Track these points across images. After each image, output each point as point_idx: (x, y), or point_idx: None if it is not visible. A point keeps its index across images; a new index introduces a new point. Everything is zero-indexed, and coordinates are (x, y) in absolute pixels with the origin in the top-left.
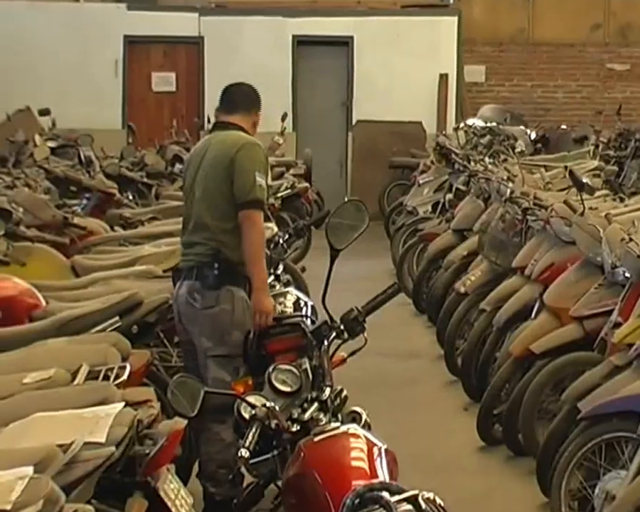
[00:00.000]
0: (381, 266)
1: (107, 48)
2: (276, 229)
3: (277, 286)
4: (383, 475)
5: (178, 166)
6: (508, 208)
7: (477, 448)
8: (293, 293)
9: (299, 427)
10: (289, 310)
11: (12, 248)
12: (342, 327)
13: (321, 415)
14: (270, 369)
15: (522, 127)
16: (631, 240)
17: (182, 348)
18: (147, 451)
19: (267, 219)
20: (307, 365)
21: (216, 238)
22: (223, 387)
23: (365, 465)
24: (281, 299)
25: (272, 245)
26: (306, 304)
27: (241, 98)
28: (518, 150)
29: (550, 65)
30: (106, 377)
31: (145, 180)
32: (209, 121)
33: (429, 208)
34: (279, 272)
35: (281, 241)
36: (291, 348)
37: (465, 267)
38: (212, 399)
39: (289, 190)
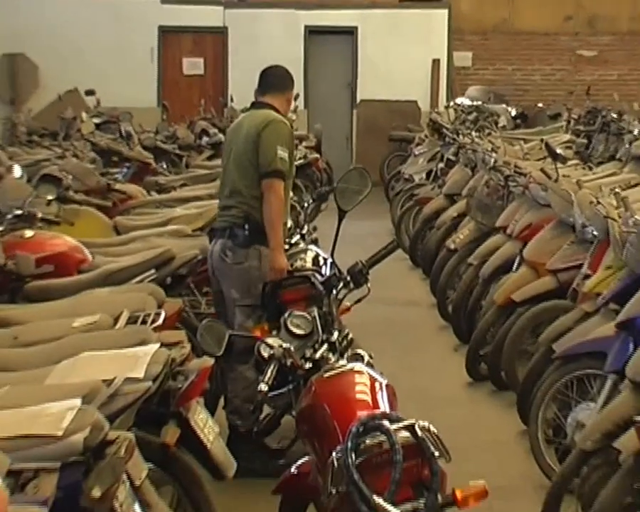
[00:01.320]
0: (382, 226)
1: (144, 36)
2: (290, 194)
3: (301, 244)
4: (384, 406)
5: (205, 139)
6: (492, 175)
7: (465, 383)
8: (313, 250)
9: (311, 365)
10: (309, 264)
11: (62, 210)
12: (348, 278)
13: (330, 355)
14: (286, 315)
15: (504, 105)
16: (598, 203)
17: (213, 297)
18: (179, 386)
19: None
20: (316, 313)
21: (248, 203)
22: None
23: (368, 398)
24: (302, 255)
25: (291, 208)
26: (325, 260)
27: (273, 80)
28: (500, 125)
29: (528, 51)
30: (144, 322)
31: (177, 151)
32: (232, 100)
33: (424, 176)
34: (304, 231)
35: (306, 205)
36: (301, 298)
37: (455, 226)
38: (238, 343)
39: (302, 160)
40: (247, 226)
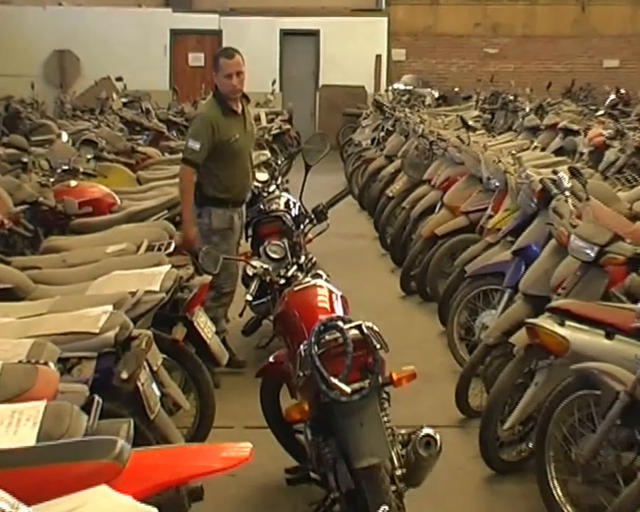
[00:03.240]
0: (337, 180)
1: (159, 37)
2: (269, 154)
3: (277, 192)
4: (339, 311)
5: None
6: (420, 141)
7: (400, 296)
8: (285, 196)
9: (284, 281)
10: (282, 207)
11: (98, 166)
12: (312, 216)
13: (299, 273)
14: (265, 244)
15: (429, 89)
16: (499, 161)
17: None
18: (186, 297)
19: (262, 148)
20: (287, 243)
21: (199, 176)
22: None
23: (327, 305)
24: (277, 200)
25: (268, 166)
26: (294, 203)
27: None
28: (426, 104)
29: (447, 49)
30: (159, 249)
31: (184, 123)
32: None
33: (369, 142)
34: (278, 182)
35: (280, 163)
36: (276, 232)
37: (392, 180)
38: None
39: (277, 130)
40: (198, 193)
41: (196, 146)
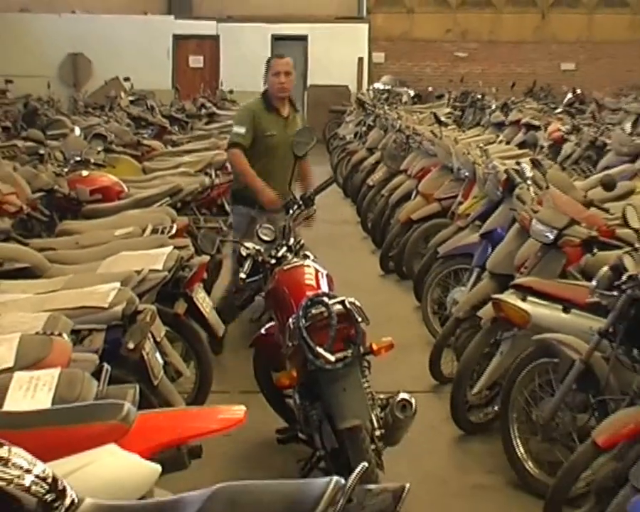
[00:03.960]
0: (324, 170)
1: (163, 41)
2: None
3: None
4: (325, 288)
5: (204, 111)
6: (397, 135)
7: (379, 275)
8: None
9: (275, 261)
10: None
11: (107, 158)
12: (301, 202)
13: (288, 254)
14: (257, 227)
15: (405, 89)
16: (469, 153)
17: None
18: (186, 275)
19: None
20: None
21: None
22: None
23: (314, 283)
24: None
25: None
26: None
27: None
28: (403, 102)
29: (422, 52)
30: (162, 232)
31: (185, 119)
32: (222, 85)
33: (352, 136)
34: None
35: None
36: None
37: (373, 170)
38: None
39: None
40: (231, 191)
41: (241, 130)
